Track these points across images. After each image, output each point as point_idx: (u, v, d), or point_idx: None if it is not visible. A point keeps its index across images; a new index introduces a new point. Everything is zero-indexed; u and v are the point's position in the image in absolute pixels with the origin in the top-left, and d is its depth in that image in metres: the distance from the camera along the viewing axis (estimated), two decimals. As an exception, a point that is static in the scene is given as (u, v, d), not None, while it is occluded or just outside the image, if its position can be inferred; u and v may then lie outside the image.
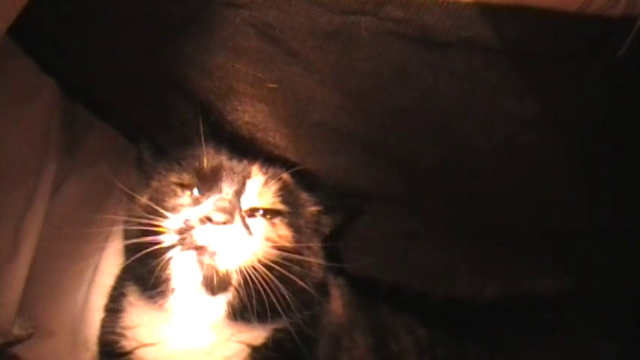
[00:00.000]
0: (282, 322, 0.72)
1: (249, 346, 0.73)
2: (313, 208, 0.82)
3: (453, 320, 0.92)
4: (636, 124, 0.64)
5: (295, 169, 0.81)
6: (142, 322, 0.74)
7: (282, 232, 0.75)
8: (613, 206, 0.76)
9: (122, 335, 0.74)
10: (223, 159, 0.78)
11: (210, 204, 0.69)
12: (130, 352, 0.73)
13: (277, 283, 0.68)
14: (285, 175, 0.79)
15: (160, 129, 0.89)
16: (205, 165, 0.76)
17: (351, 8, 0.63)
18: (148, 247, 0.68)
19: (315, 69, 0.70)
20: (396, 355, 0.85)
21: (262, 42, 0.69)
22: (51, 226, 0.86)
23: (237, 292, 0.69)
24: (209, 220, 0.67)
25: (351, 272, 0.89)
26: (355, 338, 0.81)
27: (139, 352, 0.73)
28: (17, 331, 0.79)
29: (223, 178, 0.75)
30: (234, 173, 0.76)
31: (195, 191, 0.75)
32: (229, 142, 0.82)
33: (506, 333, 0.94)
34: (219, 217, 0.67)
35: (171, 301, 0.70)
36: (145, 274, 0.71)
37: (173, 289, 0.70)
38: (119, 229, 0.83)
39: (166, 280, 0.69)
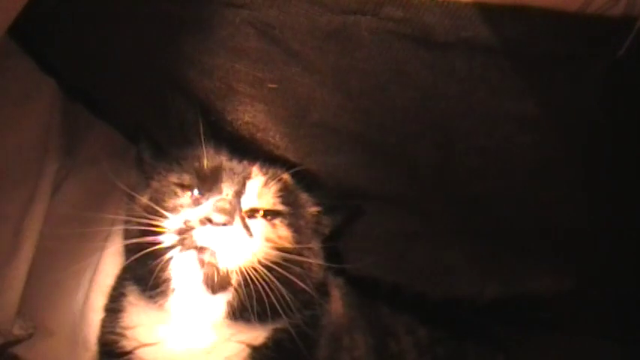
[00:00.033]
0: (283, 322, 0.72)
1: (249, 346, 0.73)
2: (313, 209, 0.82)
3: (453, 320, 0.92)
4: (636, 124, 0.64)
5: (295, 169, 0.81)
6: (141, 322, 0.74)
7: (282, 232, 0.75)
8: (613, 206, 0.76)
9: (122, 335, 0.74)
10: (223, 159, 0.78)
11: (210, 205, 0.69)
12: (129, 352, 0.73)
13: (277, 283, 0.68)
14: (286, 176, 0.79)
15: (160, 129, 0.89)
16: (205, 165, 0.76)
17: (351, 8, 0.63)
18: (148, 247, 0.68)
19: (315, 69, 0.70)
20: (396, 355, 0.85)
21: (262, 42, 0.69)
22: (51, 225, 0.87)
23: (237, 292, 0.69)
24: (209, 221, 0.67)
25: (351, 272, 0.89)
26: (355, 338, 0.81)
27: (139, 352, 0.73)
28: (17, 331, 0.79)
29: (223, 179, 0.75)
30: (234, 174, 0.76)
31: (196, 192, 0.75)
32: (229, 142, 0.82)
33: (506, 333, 0.94)
34: (219, 218, 0.67)
35: (172, 301, 0.70)
36: (145, 274, 0.71)
37: (173, 289, 0.70)
38: (119, 229, 0.83)
39: (166, 280, 0.69)
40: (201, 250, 0.67)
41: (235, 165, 0.78)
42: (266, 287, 0.67)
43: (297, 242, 0.75)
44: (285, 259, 0.71)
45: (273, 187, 0.77)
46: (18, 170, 0.83)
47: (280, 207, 0.77)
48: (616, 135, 0.67)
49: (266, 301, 0.68)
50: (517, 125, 0.68)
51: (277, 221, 0.75)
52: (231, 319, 0.71)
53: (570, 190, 0.75)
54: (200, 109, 0.81)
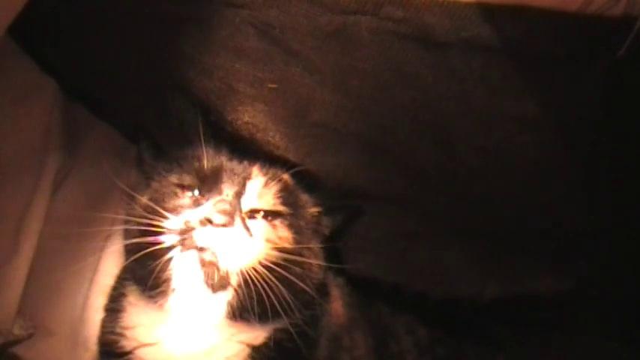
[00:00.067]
0: (283, 322, 0.71)
1: (249, 346, 0.73)
2: (313, 209, 0.82)
3: (453, 320, 0.92)
4: (636, 124, 0.64)
5: (295, 169, 0.81)
6: (141, 322, 0.74)
7: (282, 233, 0.75)
8: (613, 206, 0.76)
9: (122, 335, 0.74)
10: (223, 160, 0.78)
11: (211, 206, 0.69)
12: (129, 352, 0.73)
13: (277, 284, 0.68)
14: (286, 176, 0.80)
15: (160, 129, 0.89)
16: (205, 166, 0.76)
17: (351, 8, 0.63)
18: (148, 248, 0.68)
19: (315, 69, 0.70)
20: (396, 355, 0.85)
21: (262, 42, 0.69)
22: (51, 225, 0.86)
23: (238, 292, 0.69)
24: (209, 221, 0.67)
25: (351, 272, 0.89)
26: (355, 338, 0.81)
27: (139, 352, 0.73)
28: (17, 331, 0.79)
29: (224, 180, 0.74)
30: (234, 174, 0.76)
31: (196, 192, 0.75)
32: (229, 142, 0.82)
33: (506, 333, 0.93)
34: (220, 219, 0.67)
35: (172, 300, 0.70)
36: (145, 274, 0.71)
37: (173, 289, 0.69)
38: (119, 228, 0.83)
39: (166, 280, 0.69)
40: (201, 249, 0.67)
41: (235, 165, 0.78)
42: (266, 287, 0.67)
43: (298, 243, 0.75)
44: (286, 260, 0.71)
45: (274, 187, 0.77)
46: (18, 170, 0.83)
47: (280, 207, 0.77)
48: (616, 135, 0.67)
49: (266, 301, 0.68)
50: (517, 125, 0.68)
51: (277, 222, 0.75)
52: (231, 319, 0.71)
53: (570, 190, 0.75)
54: (200, 109, 0.81)
